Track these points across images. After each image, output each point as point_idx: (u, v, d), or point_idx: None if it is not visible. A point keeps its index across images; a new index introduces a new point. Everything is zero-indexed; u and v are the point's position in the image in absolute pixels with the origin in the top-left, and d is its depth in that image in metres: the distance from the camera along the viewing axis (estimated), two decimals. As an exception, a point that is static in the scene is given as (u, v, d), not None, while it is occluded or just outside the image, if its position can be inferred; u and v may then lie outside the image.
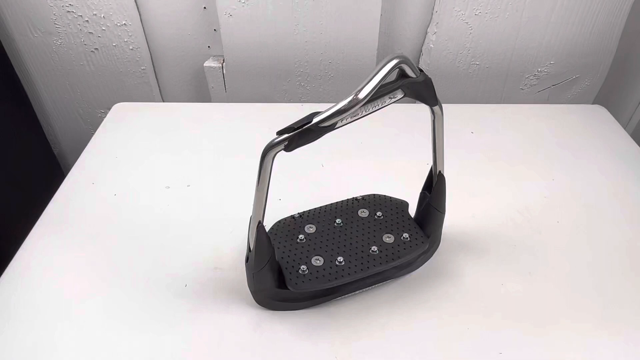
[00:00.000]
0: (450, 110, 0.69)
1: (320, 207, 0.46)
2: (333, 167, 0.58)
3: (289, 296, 0.40)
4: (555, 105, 0.75)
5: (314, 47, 0.72)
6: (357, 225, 0.44)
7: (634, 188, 0.56)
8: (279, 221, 0.44)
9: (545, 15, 0.69)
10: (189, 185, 0.55)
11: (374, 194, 0.47)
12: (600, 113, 0.69)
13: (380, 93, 0.32)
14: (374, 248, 0.41)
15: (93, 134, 0.64)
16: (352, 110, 0.30)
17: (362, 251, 0.41)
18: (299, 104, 0.72)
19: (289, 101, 0.79)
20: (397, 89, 0.33)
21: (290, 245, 0.42)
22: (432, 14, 0.70)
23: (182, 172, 0.57)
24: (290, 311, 0.41)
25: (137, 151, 0.61)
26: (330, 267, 0.40)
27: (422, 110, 0.70)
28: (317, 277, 0.39)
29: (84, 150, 0.61)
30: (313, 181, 0.56)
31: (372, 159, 0.60)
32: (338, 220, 0.44)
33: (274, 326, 0.40)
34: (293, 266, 0.40)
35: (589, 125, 0.66)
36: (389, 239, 0.43)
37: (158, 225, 0.50)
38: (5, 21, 0.72)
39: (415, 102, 0.87)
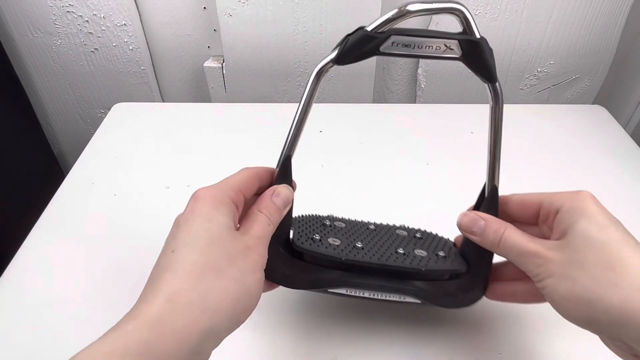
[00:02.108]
0: (450, 110, 0.69)
1: (356, 219, 0.40)
2: (333, 167, 0.58)
3: (291, 264, 0.35)
4: (555, 105, 0.75)
5: (314, 47, 0.72)
6: (390, 236, 0.38)
7: (634, 188, 0.56)
8: (312, 214, 0.39)
9: (545, 15, 0.69)
10: (189, 185, 0.55)
11: (423, 228, 0.41)
12: (600, 113, 0.69)
13: (434, 34, 0.30)
14: (401, 250, 0.35)
15: (93, 134, 0.64)
16: (400, 18, 0.30)
17: (387, 248, 0.35)
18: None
19: (289, 101, 0.79)
20: (454, 38, 0.30)
21: (311, 224, 0.37)
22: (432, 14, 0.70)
23: (182, 172, 0.57)
24: (289, 315, 0.41)
25: (137, 151, 0.61)
26: (346, 247, 0.35)
27: (422, 110, 0.70)
28: (326, 247, 0.34)
29: (84, 150, 0.61)
30: (313, 181, 0.56)
31: (372, 159, 0.60)
32: (372, 226, 0.39)
33: (274, 327, 0.40)
34: (306, 234, 0.35)
35: (589, 125, 0.66)
36: (421, 253, 0.36)
37: (158, 225, 0.50)
38: (5, 21, 0.72)
39: (415, 102, 0.87)
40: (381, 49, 0.30)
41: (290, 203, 0.33)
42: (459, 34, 0.31)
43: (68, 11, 0.70)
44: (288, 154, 0.34)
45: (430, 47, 0.30)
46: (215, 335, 0.25)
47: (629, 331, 0.25)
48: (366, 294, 0.35)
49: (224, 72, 0.76)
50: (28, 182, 0.81)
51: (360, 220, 0.40)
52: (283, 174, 0.34)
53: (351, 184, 0.56)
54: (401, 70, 0.79)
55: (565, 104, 0.79)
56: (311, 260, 0.35)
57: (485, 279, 0.36)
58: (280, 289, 0.35)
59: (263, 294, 0.30)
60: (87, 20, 0.71)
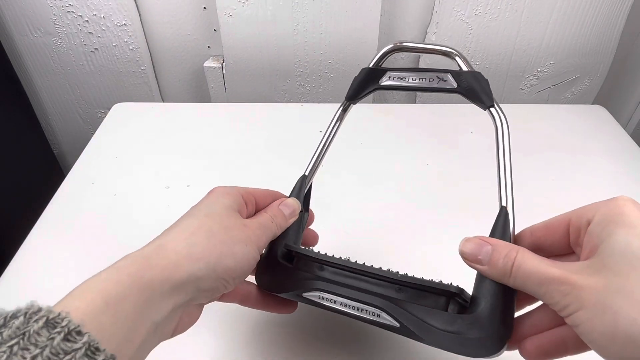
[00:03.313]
0: (450, 110, 0.69)
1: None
2: (333, 167, 0.58)
3: (283, 269, 0.34)
4: (555, 105, 0.75)
5: (314, 47, 0.72)
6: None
7: (634, 188, 0.56)
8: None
9: (545, 15, 0.69)
10: (188, 185, 0.55)
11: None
12: (600, 113, 0.69)
13: (428, 69, 0.35)
14: (396, 271, 0.31)
15: (93, 134, 0.64)
16: (390, 52, 0.36)
17: (385, 270, 0.31)
18: (299, 104, 0.72)
19: (289, 101, 0.79)
20: (446, 71, 0.34)
21: (306, 248, 0.35)
22: (431, 14, 0.70)
23: (182, 172, 0.57)
24: (290, 322, 0.41)
25: (137, 151, 0.61)
26: (339, 257, 0.33)
27: (422, 110, 0.70)
28: (317, 251, 0.33)
29: (84, 150, 0.61)
30: (313, 181, 0.56)
31: (372, 159, 0.60)
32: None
33: (275, 328, 0.40)
34: (302, 247, 0.35)
35: (589, 125, 0.66)
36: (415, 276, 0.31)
37: (158, 225, 0.50)
38: (5, 21, 0.72)
39: (415, 102, 0.87)
40: (381, 82, 0.36)
41: (296, 215, 0.36)
42: (450, 70, 0.35)
43: (68, 11, 0.70)
44: (304, 174, 0.38)
45: (424, 79, 0.35)
46: (196, 280, 0.27)
47: None
48: (338, 302, 0.31)
49: (224, 72, 0.76)
50: (28, 182, 0.81)
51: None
52: (296, 190, 0.37)
53: (351, 184, 0.56)
54: (401, 70, 0.79)
55: (565, 104, 0.79)
56: (296, 266, 0.34)
57: (506, 324, 0.27)
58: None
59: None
60: (87, 20, 0.71)
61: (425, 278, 0.30)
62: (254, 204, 0.34)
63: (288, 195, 0.37)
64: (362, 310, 0.30)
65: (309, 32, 0.70)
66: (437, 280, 0.29)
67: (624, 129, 0.66)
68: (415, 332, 0.28)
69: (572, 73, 0.76)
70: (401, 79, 0.35)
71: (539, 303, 0.27)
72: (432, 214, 0.52)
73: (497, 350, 0.27)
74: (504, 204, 0.31)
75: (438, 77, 0.34)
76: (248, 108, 0.70)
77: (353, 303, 0.30)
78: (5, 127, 0.76)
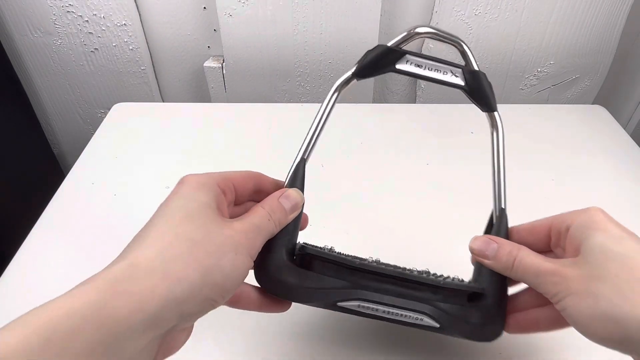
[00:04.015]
0: (450, 110, 0.69)
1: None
2: (333, 168, 0.58)
3: (297, 274, 0.31)
4: (555, 105, 0.75)
5: (314, 47, 0.72)
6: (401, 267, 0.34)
7: (634, 188, 0.56)
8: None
9: (545, 15, 0.69)
10: (189, 185, 0.55)
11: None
12: (600, 113, 0.69)
13: (446, 61, 0.33)
14: (416, 270, 0.33)
15: (93, 134, 0.64)
16: (412, 38, 0.33)
17: (397, 266, 0.33)
18: (299, 104, 0.72)
19: (289, 101, 0.79)
20: (458, 67, 0.33)
21: (314, 245, 0.33)
22: (431, 14, 0.70)
23: (182, 172, 0.57)
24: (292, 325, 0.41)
25: (137, 151, 0.61)
26: (358, 259, 0.32)
27: (422, 110, 0.70)
28: (337, 253, 0.32)
29: (84, 150, 0.61)
30: (313, 182, 0.56)
31: (372, 159, 0.60)
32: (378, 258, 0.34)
33: (275, 328, 0.40)
34: (312, 245, 0.32)
35: (589, 125, 0.66)
36: (436, 274, 0.34)
37: (158, 225, 0.50)
38: (5, 21, 0.72)
39: (415, 102, 0.87)
40: (397, 66, 0.33)
41: (299, 209, 0.31)
42: (460, 64, 0.33)
43: (68, 11, 0.70)
44: (303, 157, 0.33)
45: (439, 71, 0.33)
46: (177, 306, 0.23)
47: None
48: (380, 310, 0.31)
49: (224, 72, 0.76)
50: (28, 182, 0.81)
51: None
52: (294, 177, 0.33)
53: (351, 184, 0.56)
54: (401, 70, 0.79)
55: (565, 104, 0.79)
56: (320, 271, 0.32)
57: (504, 310, 0.33)
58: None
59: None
60: (87, 20, 0.71)
61: (451, 276, 0.33)
62: (233, 191, 0.30)
63: (286, 181, 0.33)
64: (404, 316, 0.31)
65: (309, 32, 0.70)
66: (459, 279, 0.33)
67: (624, 129, 0.66)
68: (449, 329, 0.32)
69: (572, 73, 0.76)
70: (418, 66, 0.33)
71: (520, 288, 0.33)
72: (432, 214, 0.52)
73: (502, 331, 0.33)
74: (502, 206, 0.34)
75: (451, 72, 0.33)
76: (248, 108, 0.70)
77: (397, 310, 0.31)
78: (5, 127, 0.76)
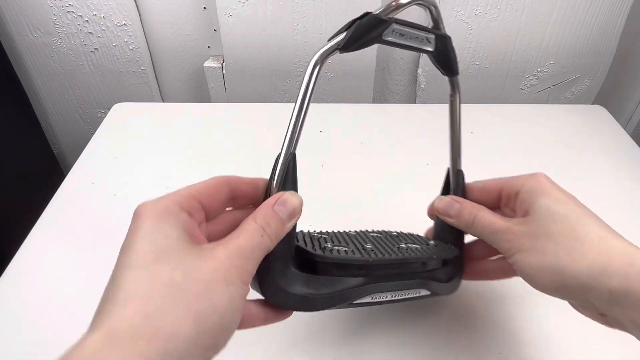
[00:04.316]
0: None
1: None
2: (333, 168, 0.58)
3: (307, 282, 0.29)
4: (555, 105, 0.75)
5: (314, 47, 0.72)
6: (375, 238, 0.36)
7: (634, 188, 0.56)
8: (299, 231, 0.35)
9: (545, 15, 0.69)
10: (189, 185, 0.55)
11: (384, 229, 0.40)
12: (600, 113, 0.69)
13: (426, 28, 0.32)
14: (403, 245, 0.35)
15: (93, 134, 0.64)
16: (406, 6, 0.31)
17: (390, 246, 0.34)
18: (299, 104, 0.72)
19: (289, 101, 0.79)
20: (432, 33, 0.32)
21: (311, 236, 0.33)
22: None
23: (182, 172, 0.57)
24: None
25: (137, 151, 0.61)
26: (359, 251, 0.32)
27: (422, 110, 0.70)
28: (346, 252, 0.31)
29: (84, 150, 0.61)
30: (313, 181, 0.56)
31: (372, 159, 0.60)
32: (352, 232, 0.37)
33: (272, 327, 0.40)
34: (314, 245, 0.31)
35: (589, 125, 0.66)
36: (415, 246, 0.35)
37: (158, 225, 0.50)
38: (5, 21, 0.72)
39: (415, 102, 0.87)
40: (383, 36, 0.30)
41: (297, 215, 0.28)
42: (433, 29, 0.32)
43: (68, 11, 0.70)
44: (290, 149, 0.29)
45: (417, 38, 0.31)
46: None
47: (596, 293, 0.27)
48: (389, 297, 0.32)
49: (224, 72, 0.76)
50: (28, 182, 0.81)
51: (338, 231, 0.37)
52: (286, 176, 0.28)
53: (351, 184, 0.56)
54: (401, 70, 0.79)
55: (565, 104, 0.79)
56: (328, 271, 0.30)
57: (462, 262, 0.38)
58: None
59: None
60: (87, 20, 0.71)
61: (423, 239, 0.37)
62: (200, 209, 0.26)
63: (274, 181, 0.28)
64: (406, 293, 0.34)
65: (309, 32, 0.70)
66: (433, 244, 0.36)
67: (624, 129, 0.66)
68: (435, 293, 0.35)
69: (572, 73, 0.76)
70: (401, 35, 0.31)
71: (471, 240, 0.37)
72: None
73: (460, 282, 0.37)
74: (459, 167, 0.37)
75: (426, 38, 0.32)
76: (248, 108, 0.70)
77: (401, 292, 0.33)
78: (5, 127, 0.76)
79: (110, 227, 0.50)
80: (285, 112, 0.75)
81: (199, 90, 0.83)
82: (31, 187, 0.81)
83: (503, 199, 0.35)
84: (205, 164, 0.59)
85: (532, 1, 0.67)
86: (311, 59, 0.29)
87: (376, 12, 0.29)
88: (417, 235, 0.39)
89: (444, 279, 0.36)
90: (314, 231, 0.35)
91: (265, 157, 0.65)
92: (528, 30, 0.71)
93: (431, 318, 0.41)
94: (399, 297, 0.34)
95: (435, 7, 0.32)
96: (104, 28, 0.72)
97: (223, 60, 0.76)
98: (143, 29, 0.74)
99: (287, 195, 0.28)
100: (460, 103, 0.36)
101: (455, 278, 0.37)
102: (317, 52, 0.29)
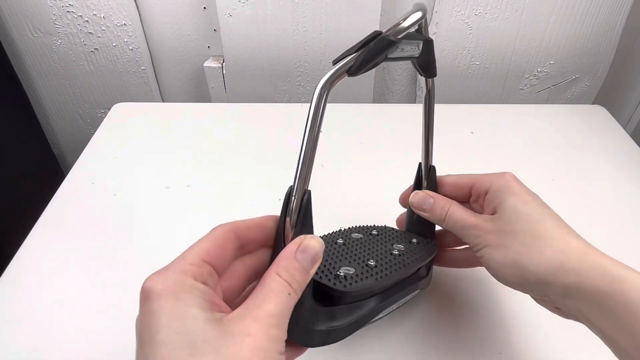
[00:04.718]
0: (450, 110, 0.69)
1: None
2: (333, 167, 0.58)
3: (330, 316, 0.30)
4: (555, 105, 0.75)
5: (314, 47, 0.72)
6: (361, 243, 0.36)
7: (634, 188, 0.56)
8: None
9: (545, 16, 0.69)
10: (188, 185, 0.55)
11: (356, 225, 0.40)
12: (600, 113, 0.69)
13: (420, 38, 0.31)
14: (395, 251, 0.35)
15: (93, 134, 0.64)
16: (416, 24, 0.30)
17: (385, 255, 0.35)
18: (299, 104, 0.72)
19: (289, 101, 0.79)
20: (422, 40, 0.31)
21: None
22: (431, 14, 0.70)
23: (182, 172, 0.57)
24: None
25: (137, 151, 0.61)
26: (366, 271, 0.32)
27: (421, 110, 0.70)
28: (361, 279, 0.31)
29: (84, 150, 0.61)
30: (313, 181, 0.56)
31: (372, 159, 0.60)
32: (339, 240, 0.36)
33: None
34: (327, 275, 0.31)
35: (589, 125, 0.66)
36: (400, 247, 0.36)
37: (158, 225, 0.50)
38: (5, 21, 0.72)
39: (415, 103, 0.87)
40: (388, 54, 0.28)
41: (320, 259, 0.25)
42: (418, 34, 0.32)
43: (68, 11, 0.70)
44: (306, 188, 0.26)
45: (410, 49, 0.31)
46: None
47: (553, 288, 0.29)
48: (394, 307, 0.36)
49: (224, 72, 0.76)
50: (28, 182, 0.81)
51: (327, 235, 0.38)
52: (304, 217, 0.26)
53: (351, 184, 0.56)
54: (401, 70, 0.79)
55: (565, 104, 0.79)
56: (345, 299, 0.31)
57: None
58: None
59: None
60: (87, 20, 0.71)
61: (402, 235, 0.39)
62: (212, 273, 0.24)
63: (290, 219, 0.26)
64: (406, 299, 0.37)
65: (309, 32, 0.70)
66: (415, 242, 0.38)
67: (624, 129, 0.66)
68: (422, 288, 0.39)
69: (572, 73, 0.76)
70: (402, 50, 0.30)
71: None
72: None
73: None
74: (432, 163, 0.39)
75: (417, 46, 0.31)
76: (248, 108, 0.70)
77: (403, 300, 0.37)
78: (5, 127, 0.76)
79: (110, 227, 0.50)
80: (285, 112, 0.76)
81: (199, 90, 0.83)
82: (31, 187, 0.81)
83: (473, 195, 0.37)
84: (205, 164, 0.59)
85: (532, 1, 0.67)
86: (316, 85, 0.26)
87: (385, 33, 0.28)
88: (393, 229, 0.41)
89: (425, 274, 0.39)
90: None
91: (265, 157, 0.65)
92: (528, 30, 0.71)
93: (431, 318, 0.41)
94: (400, 304, 0.37)
95: (426, 15, 0.32)
96: (104, 28, 0.72)
97: (223, 60, 0.76)
98: (143, 29, 0.74)
99: (308, 240, 0.25)
100: (433, 103, 0.37)
101: (431, 270, 0.40)
102: (323, 77, 0.26)
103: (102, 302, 0.42)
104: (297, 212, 0.26)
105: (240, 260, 0.26)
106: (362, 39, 0.28)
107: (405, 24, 0.29)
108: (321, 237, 0.36)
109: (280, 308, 0.22)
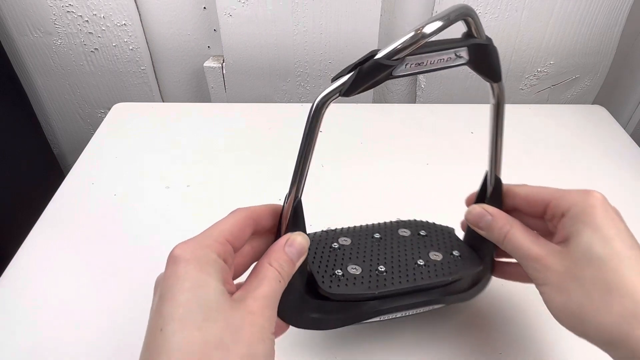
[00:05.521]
0: (450, 110, 0.69)
1: (353, 226, 0.40)
2: (333, 168, 0.58)
3: (319, 307, 0.33)
4: (555, 105, 0.75)
5: (314, 47, 0.72)
6: (399, 241, 0.37)
7: (634, 188, 0.56)
8: (311, 234, 0.38)
9: (545, 15, 0.69)
10: (188, 185, 0.55)
11: (416, 219, 0.41)
12: (600, 113, 0.69)
13: (446, 46, 0.28)
14: (420, 261, 0.35)
15: (93, 134, 0.64)
16: (416, 45, 0.26)
17: (407, 263, 0.35)
18: (299, 104, 0.72)
19: (289, 101, 0.79)
20: (463, 46, 0.28)
21: (322, 252, 0.36)
22: (431, 14, 0.70)
23: (182, 172, 0.57)
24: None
25: (137, 151, 0.61)
26: (370, 276, 0.34)
27: (422, 110, 0.70)
28: (354, 283, 0.33)
29: (84, 150, 0.61)
30: (313, 182, 0.56)
31: (372, 159, 0.60)
32: (376, 235, 0.38)
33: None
34: (326, 270, 0.33)
35: (589, 125, 0.66)
36: (436, 256, 0.36)
37: (158, 225, 0.50)
38: (5, 21, 0.72)
39: (415, 102, 0.87)
40: (394, 73, 0.27)
41: (305, 253, 0.29)
42: (465, 38, 0.29)
43: (68, 11, 0.70)
44: (298, 197, 0.30)
45: (442, 60, 0.28)
46: None
47: (617, 352, 0.26)
48: (398, 315, 0.35)
49: (224, 72, 0.76)
50: (28, 182, 0.81)
51: (360, 226, 0.39)
52: (295, 220, 0.30)
53: (351, 184, 0.56)
54: (401, 70, 0.79)
55: (565, 104, 0.79)
56: (340, 298, 0.33)
57: (492, 262, 0.37)
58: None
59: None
60: (87, 20, 0.71)
61: (450, 244, 0.37)
62: (232, 252, 0.27)
63: (285, 226, 0.30)
64: (418, 310, 0.35)
65: (309, 32, 0.70)
66: (457, 255, 0.36)
67: (624, 129, 0.66)
68: (451, 302, 0.36)
69: (572, 73, 0.76)
70: (419, 64, 0.28)
71: None
72: (432, 214, 0.52)
73: (489, 281, 0.38)
74: (498, 174, 0.34)
75: (456, 54, 0.28)
76: (248, 108, 0.70)
77: (412, 310, 0.35)
78: (5, 127, 0.76)
79: (110, 227, 0.50)
80: (285, 112, 0.76)
81: (199, 90, 0.83)
82: (31, 187, 0.81)
83: (548, 215, 0.32)
84: (205, 164, 0.59)
85: (532, 1, 0.67)
86: (312, 104, 0.27)
87: (381, 55, 0.26)
88: (448, 233, 0.39)
89: (464, 288, 0.36)
90: (335, 229, 0.38)
91: (265, 157, 0.65)
92: (528, 30, 0.71)
93: (431, 319, 0.41)
94: (410, 314, 0.36)
95: (473, 17, 0.28)
96: (104, 28, 0.72)
97: (223, 60, 0.76)
98: (143, 29, 0.74)
99: (295, 236, 0.29)
100: (502, 110, 0.33)
101: (480, 283, 0.37)
102: (319, 95, 0.27)
103: (102, 302, 0.42)
104: (288, 218, 0.29)
105: (249, 242, 0.29)
106: (360, 57, 0.27)
107: (399, 45, 0.26)
108: (359, 227, 0.38)
109: (272, 291, 0.26)
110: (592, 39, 0.72)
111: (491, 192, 0.35)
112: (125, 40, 0.73)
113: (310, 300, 0.32)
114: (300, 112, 0.68)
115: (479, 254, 0.37)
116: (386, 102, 0.83)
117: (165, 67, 0.80)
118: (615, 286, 0.26)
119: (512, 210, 0.34)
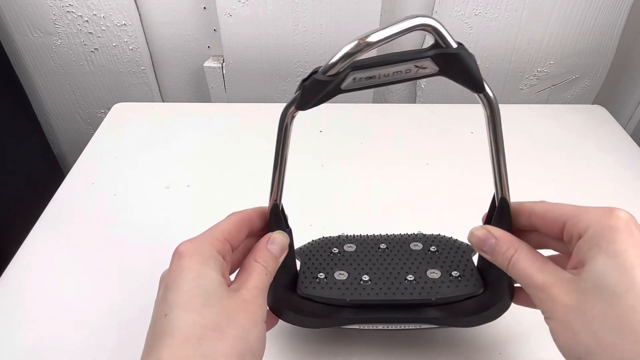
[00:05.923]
0: (450, 110, 0.69)
1: (366, 234, 0.39)
2: (333, 168, 0.58)
3: (297, 305, 0.34)
4: (555, 105, 0.75)
5: (314, 47, 0.72)
6: (403, 254, 0.36)
7: (634, 188, 0.56)
8: (322, 238, 0.39)
9: (545, 15, 0.69)
10: (188, 186, 0.55)
11: (440, 234, 0.39)
12: (600, 113, 0.69)
13: (405, 57, 0.26)
14: (410, 277, 0.34)
15: (93, 134, 0.64)
16: (360, 52, 0.25)
17: (395, 277, 0.34)
18: (299, 104, 0.72)
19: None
20: (425, 57, 0.26)
21: (320, 255, 0.37)
22: (431, 14, 0.70)
23: (182, 172, 0.57)
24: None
25: (137, 151, 0.61)
26: (352, 283, 0.34)
27: (422, 110, 0.70)
28: (331, 288, 0.34)
29: (84, 150, 0.61)
30: (313, 181, 0.56)
31: (372, 159, 0.60)
32: (382, 245, 0.37)
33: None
34: (312, 273, 0.35)
35: (589, 125, 0.66)
36: (434, 274, 0.34)
37: (158, 225, 0.50)
38: (5, 21, 0.72)
39: (415, 103, 0.87)
40: (343, 87, 0.27)
41: (286, 249, 0.32)
42: (430, 48, 0.26)
43: (68, 11, 0.70)
44: (275, 201, 0.32)
45: (399, 72, 0.27)
46: None
47: None
48: (380, 327, 0.35)
49: (224, 72, 0.76)
50: (28, 182, 0.81)
51: (372, 235, 0.39)
52: (274, 221, 0.33)
53: (351, 184, 0.56)
54: (401, 70, 0.79)
55: (565, 104, 0.79)
56: (320, 300, 0.34)
57: (510, 287, 0.34)
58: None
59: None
60: (87, 20, 0.71)
61: (454, 263, 0.35)
62: (229, 250, 0.30)
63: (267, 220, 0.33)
64: (403, 326, 0.35)
65: (309, 32, 0.70)
66: (456, 275, 0.34)
67: (624, 129, 0.66)
68: (450, 326, 0.34)
69: (572, 73, 0.76)
70: (370, 78, 0.27)
71: None
72: (432, 214, 0.52)
73: (508, 307, 0.34)
74: (503, 194, 0.32)
75: (416, 66, 0.27)
76: (248, 108, 0.70)
77: (395, 326, 0.35)
78: (5, 127, 0.76)
79: (110, 227, 0.50)
80: (285, 112, 0.74)
81: (199, 90, 0.83)
82: (31, 187, 0.81)
83: (565, 236, 0.28)
84: (205, 164, 0.59)
85: (532, 1, 0.67)
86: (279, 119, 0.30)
87: (321, 70, 0.27)
88: (463, 251, 0.36)
89: (470, 312, 0.34)
90: (346, 235, 0.39)
91: (265, 157, 0.65)
92: (528, 30, 0.71)
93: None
94: (396, 328, 0.35)
95: (431, 27, 0.26)
96: (104, 28, 0.72)
97: (223, 60, 0.76)
98: (143, 29, 0.74)
99: (275, 234, 0.32)
100: (497, 122, 0.29)
101: (490, 310, 0.34)
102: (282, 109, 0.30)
103: (101, 302, 0.42)
104: (270, 218, 0.33)
105: (243, 242, 0.32)
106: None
107: (334, 59, 0.26)
108: (369, 236, 0.39)
109: (261, 282, 0.29)
110: (592, 39, 0.72)
111: (497, 214, 0.32)
112: (125, 40, 0.73)
113: (296, 298, 0.34)
114: (300, 112, 0.68)
115: (489, 279, 0.34)
116: (386, 102, 0.83)
117: (165, 67, 0.80)
118: (628, 327, 0.22)
119: (529, 231, 0.31)
